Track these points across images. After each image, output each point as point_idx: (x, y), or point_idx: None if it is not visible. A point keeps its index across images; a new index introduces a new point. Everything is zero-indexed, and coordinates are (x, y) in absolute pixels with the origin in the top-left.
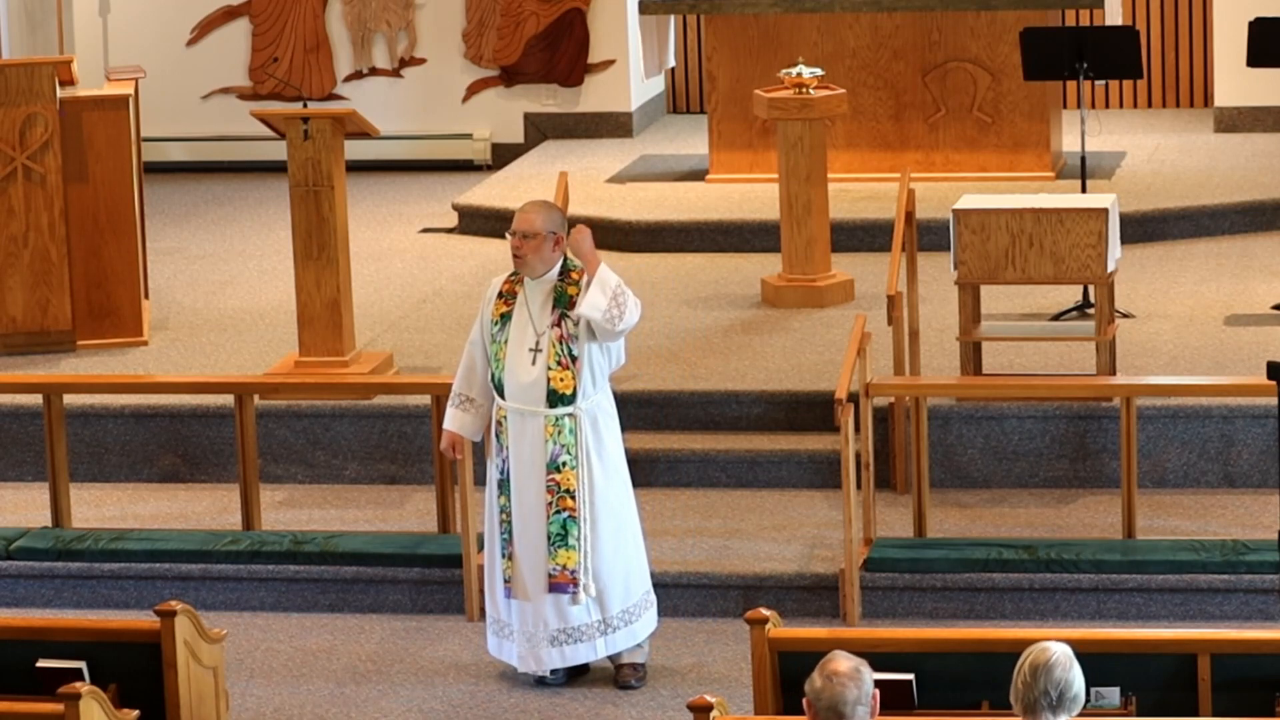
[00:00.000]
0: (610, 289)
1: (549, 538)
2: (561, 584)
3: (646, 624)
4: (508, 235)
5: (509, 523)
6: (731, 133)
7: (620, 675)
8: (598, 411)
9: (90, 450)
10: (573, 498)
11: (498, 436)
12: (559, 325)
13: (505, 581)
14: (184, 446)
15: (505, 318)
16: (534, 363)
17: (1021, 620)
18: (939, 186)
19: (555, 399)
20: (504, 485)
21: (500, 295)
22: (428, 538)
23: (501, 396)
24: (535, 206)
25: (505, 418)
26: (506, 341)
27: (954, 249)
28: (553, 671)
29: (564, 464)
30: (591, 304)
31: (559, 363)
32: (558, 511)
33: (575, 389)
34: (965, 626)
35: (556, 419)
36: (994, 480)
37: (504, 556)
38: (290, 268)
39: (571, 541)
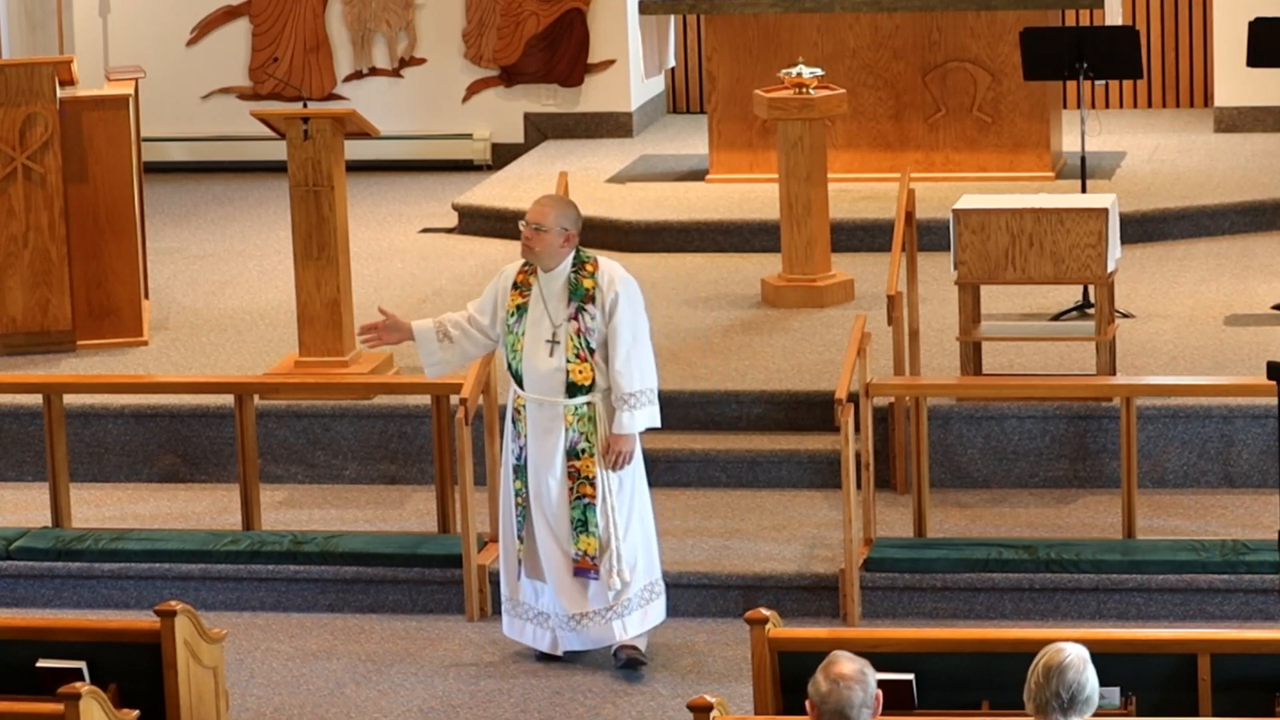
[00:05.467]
0: (638, 416)
1: (571, 523)
2: (584, 569)
3: (657, 611)
4: (520, 224)
5: (524, 506)
6: (731, 133)
7: (620, 653)
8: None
9: (90, 450)
10: (592, 484)
11: (514, 423)
12: (576, 318)
13: (519, 563)
14: (184, 446)
15: (521, 309)
16: (551, 354)
17: (1021, 620)
18: (939, 186)
19: (574, 390)
20: (520, 470)
21: (515, 286)
22: (428, 538)
23: (520, 386)
24: (550, 200)
25: (524, 406)
26: (524, 333)
27: (954, 249)
28: (565, 652)
29: (583, 450)
30: (643, 418)
31: (577, 355)
32: (578, 498)
33: (593, 380)
34: (965, 626)
35: (575, 408)
36: (994, 480)
37: (519, 538)
38: (290, 268)
39: (591, 528)
